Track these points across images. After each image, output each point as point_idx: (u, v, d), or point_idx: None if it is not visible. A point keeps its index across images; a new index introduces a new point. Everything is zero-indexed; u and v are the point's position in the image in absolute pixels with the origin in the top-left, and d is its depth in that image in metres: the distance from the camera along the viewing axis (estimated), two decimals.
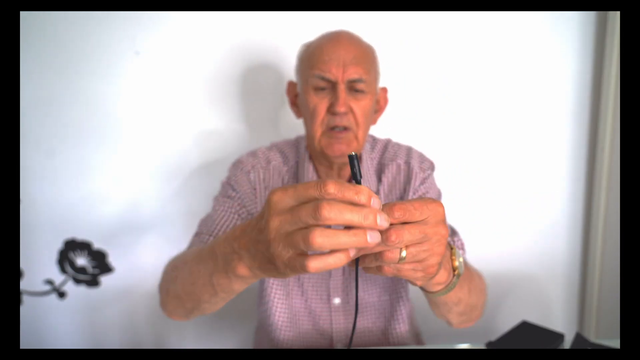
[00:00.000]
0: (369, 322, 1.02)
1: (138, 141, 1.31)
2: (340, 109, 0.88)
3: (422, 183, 1.00)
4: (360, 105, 0.91)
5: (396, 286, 1.02)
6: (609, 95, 1.30)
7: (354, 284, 0.99)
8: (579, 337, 0.87)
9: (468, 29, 1.30)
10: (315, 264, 0.48)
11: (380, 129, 1.08)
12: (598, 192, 1.36)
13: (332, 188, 0.46)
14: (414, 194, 1.00)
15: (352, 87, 0.90)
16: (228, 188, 0.99)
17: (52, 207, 1.32)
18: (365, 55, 0.92)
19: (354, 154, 0.50)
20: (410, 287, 1.06)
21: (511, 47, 1.32)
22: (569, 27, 1.32)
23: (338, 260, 0.48)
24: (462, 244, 1.00)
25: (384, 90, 1.02)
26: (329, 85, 0.90)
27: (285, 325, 1.01)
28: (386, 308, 1.02)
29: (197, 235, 0.94)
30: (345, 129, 0.91)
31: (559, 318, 1.49)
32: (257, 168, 1.00)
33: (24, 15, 1.21)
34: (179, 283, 0.75)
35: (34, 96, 1.26)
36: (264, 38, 1.27)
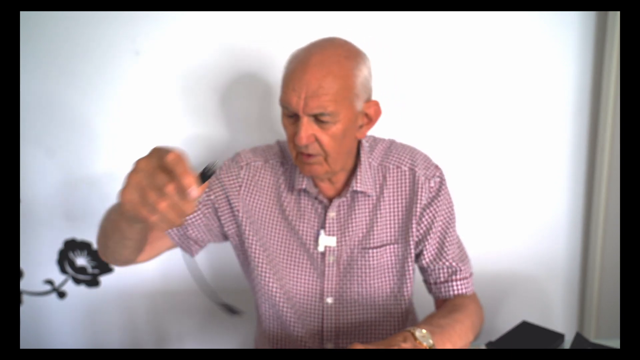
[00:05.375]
0: (365, 318, 1.01)
1: (138, 141, 1.31)
2: (300, 142, 0.86)
3: (428, 205, 0.98)
4: (327, 134, 0.87)
5: (395, 283, 1.01)
6: (609, 95, 1.29)
7: (348, 284, 0.99)
8: (579, 337, 0.87)
9: (467, 29, 1.30)
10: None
11: (381, 129, 1.08)
12: (598, 192, 1.36)
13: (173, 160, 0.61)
14: (420, 219, 0.98)
15: (317, 118, 0.87)
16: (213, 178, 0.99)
17: (52, 207, 1.32)
18: (336, 81, 0.85)
19: (208, 171, 0.63)
20: (414, 286, 1.06)
21: (510, 48, 1.32)
22: (568, 28, 1.32)
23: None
24: (471, 273, 1.01)
25: (374, 103, 0.94)
26: (294, 114, 0.88)
27: (274, 322, 1.02)
28: (383, 305, 1.01)
29: None
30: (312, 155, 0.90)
31: (559, 318, 1.49)
32: (251, 165, 1.01)
33: (24, 15, 1.21)
34: (101, 227, 0.87)
35: (34, 96, 1.26)
36: (266, 38, 1.27)
